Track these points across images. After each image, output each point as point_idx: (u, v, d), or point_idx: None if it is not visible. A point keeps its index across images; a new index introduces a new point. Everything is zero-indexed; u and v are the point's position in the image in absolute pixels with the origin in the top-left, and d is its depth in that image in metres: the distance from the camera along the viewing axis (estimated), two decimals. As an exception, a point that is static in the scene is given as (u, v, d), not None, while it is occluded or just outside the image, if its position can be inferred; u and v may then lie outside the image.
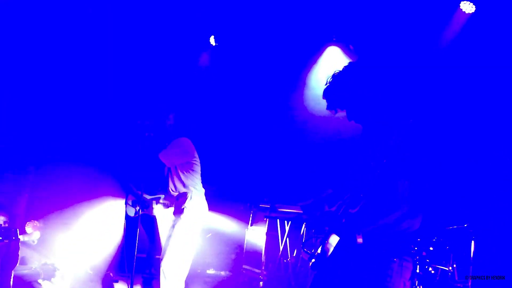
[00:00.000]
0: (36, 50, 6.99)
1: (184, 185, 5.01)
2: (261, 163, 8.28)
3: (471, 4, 6.24)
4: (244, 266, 7.33)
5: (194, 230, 4.91)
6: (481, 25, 6.17)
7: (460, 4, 6.29)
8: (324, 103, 2.79)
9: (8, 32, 6.71)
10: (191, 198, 4.93)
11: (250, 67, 8.27)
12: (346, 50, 7.59)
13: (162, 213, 5.35)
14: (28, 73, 7.10)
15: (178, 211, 4.94)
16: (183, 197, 4.96)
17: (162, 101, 7.69)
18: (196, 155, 5.15)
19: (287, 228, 6.66)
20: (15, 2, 6.60)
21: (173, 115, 5.27)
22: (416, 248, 5.00)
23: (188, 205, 4.88)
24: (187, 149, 5.08)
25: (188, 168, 5.05)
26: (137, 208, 5.46)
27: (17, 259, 5.52)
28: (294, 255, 6.63)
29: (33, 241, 6.32)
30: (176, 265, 4.75)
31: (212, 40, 8.24)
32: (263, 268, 6.96)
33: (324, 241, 2.48)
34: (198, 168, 5.13)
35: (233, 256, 7.85)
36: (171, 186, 5.09)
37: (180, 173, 5.04)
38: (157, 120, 5.19)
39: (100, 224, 7.20)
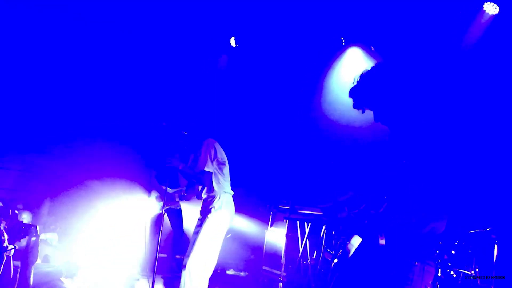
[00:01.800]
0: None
1: (212, 187, 5.03)
2: (282, 165, 8.28)
3: (495, 5, 6.17)
4: (264, 267, 7.33)
5: (220, 231, 4.93)
6: (505, 26, 6.09)
7: (484, 5, 6.22)
8: (346, 104, 2.78)
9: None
10: (219, 198, 4.96)
11: (270, 68, 8.28)
12: (368, 52, 7.55)
13: (185, 207, 5.39)
14: (58, 79, 7.33)
15: (206, 212, 4.96)
16: (211, 198, 5.00)
17: (186, 102, 7.77)
18: (224, 157, 5.15)
19: (307, 230, 6.63)
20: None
21: (198, 116, 5.30)
22: (438, 252, 4.95)
23: (216, 205, 4.91)
24: (214, 152, 5.08)
25: (216, 170, 5.06)
26: (162, 202, 5.52)
27: (37, 255, 5.58)
28: (314, 256, 6.61)
29: (53, 242, 6.41)
30: (202, 264, 4.78)
31: (232, 42, 8.28)
32: (282, 269, 6.95)
33: (346, 242, 2.47)
34: (226, 170, 5.14)
35: (252, 257, 7.87)
36: (199, 188, 5.13)
37: None
38: (182, 121, 5.22)
39: (123, 222, 7.25)
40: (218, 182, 5.03)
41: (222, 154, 5.13)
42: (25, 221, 6.16)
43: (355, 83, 2.72)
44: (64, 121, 7.62)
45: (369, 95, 2.65)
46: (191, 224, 5.37)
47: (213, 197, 4.99)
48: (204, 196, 5.10)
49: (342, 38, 7.51)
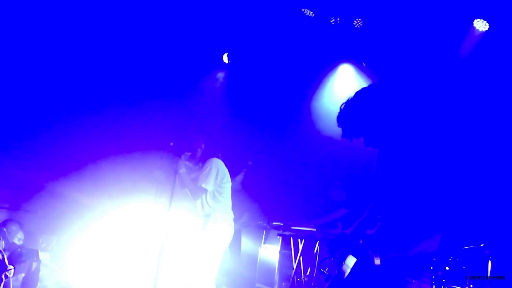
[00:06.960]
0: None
1: (207, 207, 4.95)
2: (275, 181, 8.27)
3: (485, 22, 6.25)
4: (257, 285, 7.28)
5: (217, 249, 4.88)
6: (495, 43, 6.17)
7: (474, 22, 6.29)
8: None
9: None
10: (215, 219, 4.88)
11: (263, 85, 8.31)
12: (359, 68, 7.62)
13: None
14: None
15: (202, 231, 4.92)
16: (207, 217, 4.92)
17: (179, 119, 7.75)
18: (227, 178, 5.04)
19: (300, 246, 6.61)
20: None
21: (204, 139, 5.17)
22: (432, 268, 4.94)
23: (212, 225, 4.85)
24: (217, 172, 4.97)
25: (216, 190, 4.99)
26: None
27: (38, 280, 5.51)
28: (308, 273, 6.58)
29: (45, 261, 6.33)
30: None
31: (225, 58, 8.32)
32: (276, 286, 6.91)
33: (341, 262, 2.46)
34: (226, 191, 5.00)
35: (246, 274, 7.80)
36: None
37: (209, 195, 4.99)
38: (189, 143, 5.09)
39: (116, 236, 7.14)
40: (216, 202, 4.95)
41: (225, 175, 5.05)
42: (17, 241, 6.11)
43: (340, 111, 2.71)
44: (68, 137, 7.57)
45: (356, 123, 2.64)
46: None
47: (208, 216, 4.91)
48: (199, 214, 5.01)
49: (363, 63, 7.58)
